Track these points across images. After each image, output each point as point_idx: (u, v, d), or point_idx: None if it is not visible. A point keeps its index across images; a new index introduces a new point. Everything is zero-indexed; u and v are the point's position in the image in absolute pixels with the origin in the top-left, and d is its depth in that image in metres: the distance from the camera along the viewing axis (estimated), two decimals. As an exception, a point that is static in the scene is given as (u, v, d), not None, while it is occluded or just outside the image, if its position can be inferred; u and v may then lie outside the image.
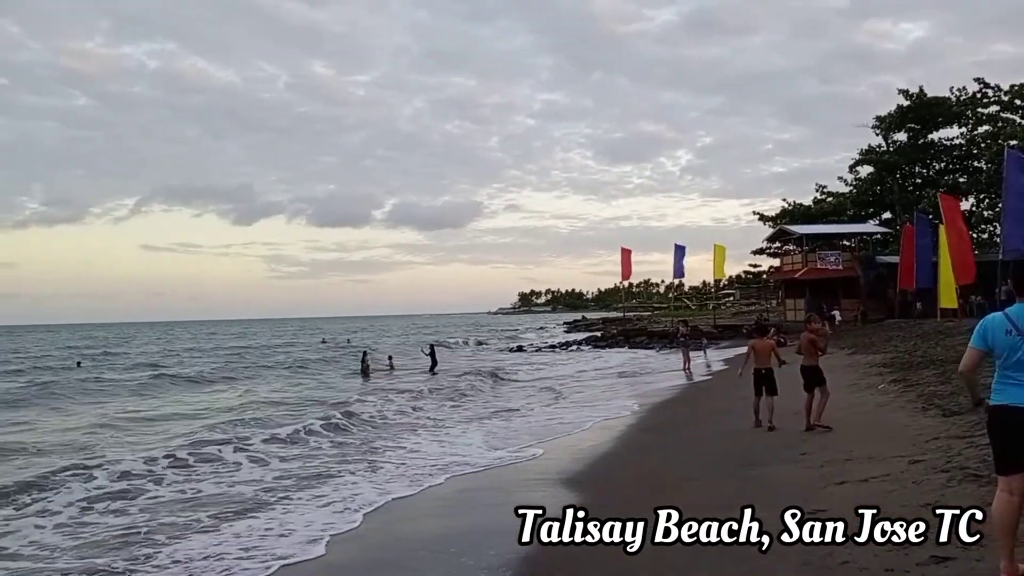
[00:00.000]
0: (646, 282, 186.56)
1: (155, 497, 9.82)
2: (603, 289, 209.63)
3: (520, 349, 48.10)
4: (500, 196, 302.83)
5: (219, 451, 12.77)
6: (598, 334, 54.10)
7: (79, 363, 40.66)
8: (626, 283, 71.50)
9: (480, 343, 57.56)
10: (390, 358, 35.35)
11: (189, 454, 12.42)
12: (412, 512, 8.68)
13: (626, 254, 56.30)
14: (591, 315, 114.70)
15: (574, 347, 46.56)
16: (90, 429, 16.71)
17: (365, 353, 33.58)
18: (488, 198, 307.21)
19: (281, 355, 45.94)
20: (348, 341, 63.28)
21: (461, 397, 20.61)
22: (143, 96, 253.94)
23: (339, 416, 16.52)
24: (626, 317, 71.27)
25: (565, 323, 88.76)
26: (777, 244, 52.97)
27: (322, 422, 15.59)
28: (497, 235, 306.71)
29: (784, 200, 58.09)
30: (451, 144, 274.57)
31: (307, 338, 76.73)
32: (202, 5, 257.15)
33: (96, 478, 10.66)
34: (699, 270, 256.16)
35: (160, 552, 7.39)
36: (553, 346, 48.74)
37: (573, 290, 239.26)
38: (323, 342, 64.30)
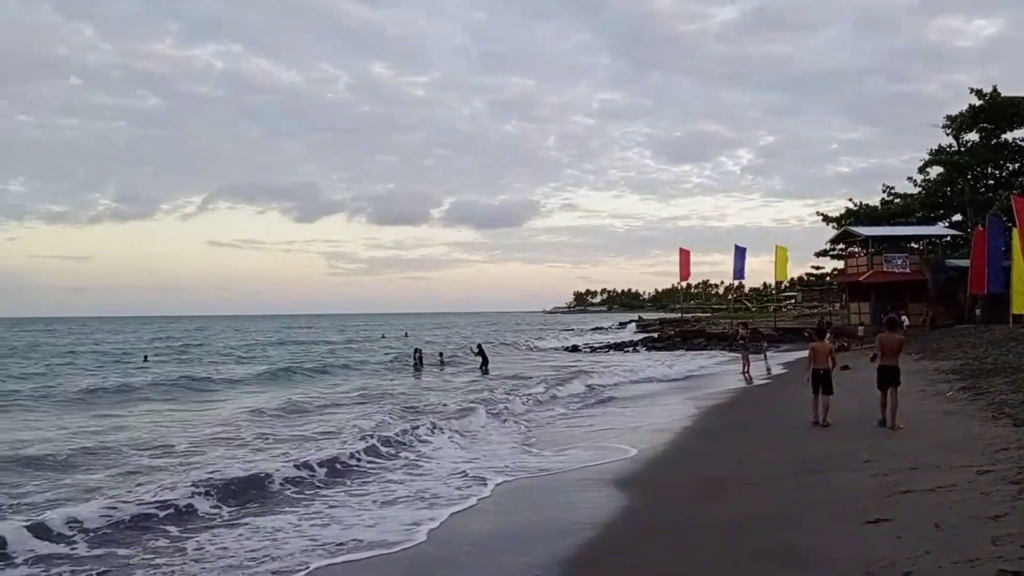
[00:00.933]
0: (705, 283, 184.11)
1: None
2: (660, 289, 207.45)
3: (575, 349, 48.00)
4: (557, 195, 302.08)
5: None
6: (655, 335, 53.67)
7: (146, 357, 41.95)
8: (684, 284, 70.73)
9: (532, 343, 57.58)
10: (440, 355, 35.86)
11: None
12: (473, 509, 8.81)
13: (684, 254, 55.69)
14: (647, 315, 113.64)
15: (630, 348, 46.29)
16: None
17: (417, 350, 34.27)
18: (544, 197, 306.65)
19: (357, 352, 46.62)
20: (405, 335, 67.65)
21: (516, 397, 20.70)
22: (210, 96, 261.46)
23: (399, 416, 16.94)
24: (684, 318, 70.52)
25: (620, 323, 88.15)
26: (841, 246, 51.72)
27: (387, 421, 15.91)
28: (553, 234, 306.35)
29: (850, 201, 56.79)
30: (509, 144, 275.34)
31: (368, 333, 78.46)
32: (267, 8, 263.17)
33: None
34: (760, 271, 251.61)
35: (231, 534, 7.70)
36: (608, 346, 48.53)
37: (629, 290, 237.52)
38: (383, 336, 66.89)
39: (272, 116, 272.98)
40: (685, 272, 56.92)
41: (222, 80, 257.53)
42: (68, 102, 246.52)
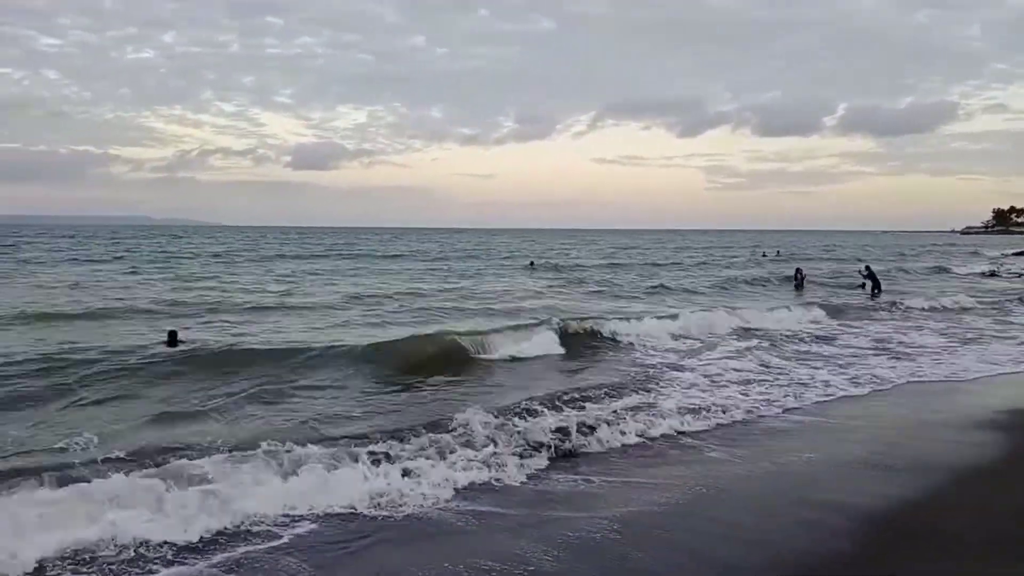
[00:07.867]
0: None
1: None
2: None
3: (993, 275, 41.72)
4: (978, 95, 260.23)
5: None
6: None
7: (532, 263, 45.91)
8: None
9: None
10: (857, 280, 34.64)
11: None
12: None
13: None
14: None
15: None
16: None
17: (798, 269, 34.63)
18: (962, 97, 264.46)
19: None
20: (778, 253, 66.80)
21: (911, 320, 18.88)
22: (598, 15, 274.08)
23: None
24: None
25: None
26: None
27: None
28: (970, 140, 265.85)
29: None
30: (918, 37, 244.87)
31: (749, 250, 76.82)
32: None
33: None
34: None
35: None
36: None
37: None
38: (764, 255, 65.10)
39: (657, 30, 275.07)
40: None
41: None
42: (477, 32, 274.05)
